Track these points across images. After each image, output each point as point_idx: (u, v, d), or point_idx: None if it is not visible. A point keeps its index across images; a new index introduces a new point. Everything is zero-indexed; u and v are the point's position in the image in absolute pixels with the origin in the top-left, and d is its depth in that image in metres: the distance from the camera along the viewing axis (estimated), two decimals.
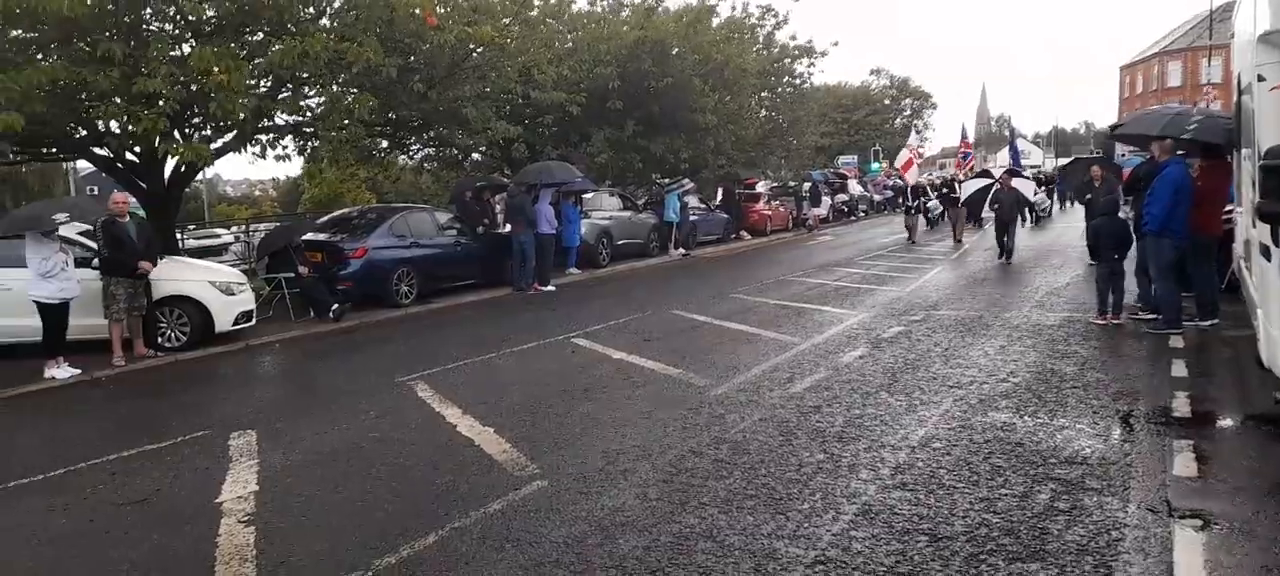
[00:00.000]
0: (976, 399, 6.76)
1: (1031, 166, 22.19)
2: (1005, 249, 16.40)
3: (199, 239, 28.98)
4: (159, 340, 10.22)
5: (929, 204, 26.25)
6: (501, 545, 4.35)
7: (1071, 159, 29.26)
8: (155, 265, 9.99)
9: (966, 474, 5.07)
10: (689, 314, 11.77)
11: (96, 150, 13.98)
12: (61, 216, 8.93)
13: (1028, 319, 10.32)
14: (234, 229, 22.82)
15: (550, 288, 15.49)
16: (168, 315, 10.30)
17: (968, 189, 20.20)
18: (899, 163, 28.76)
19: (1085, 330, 9.40)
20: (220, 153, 14.71)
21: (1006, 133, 37.09)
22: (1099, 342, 8.78)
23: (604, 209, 20.01)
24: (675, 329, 10.72)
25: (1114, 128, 13.34)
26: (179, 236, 22.00)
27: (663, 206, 21.49)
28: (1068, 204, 31.37)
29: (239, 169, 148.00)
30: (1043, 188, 28.68)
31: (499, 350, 9.70)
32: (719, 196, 26.90)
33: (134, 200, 11.86)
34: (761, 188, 29.71)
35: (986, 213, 18.44)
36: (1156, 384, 7.02)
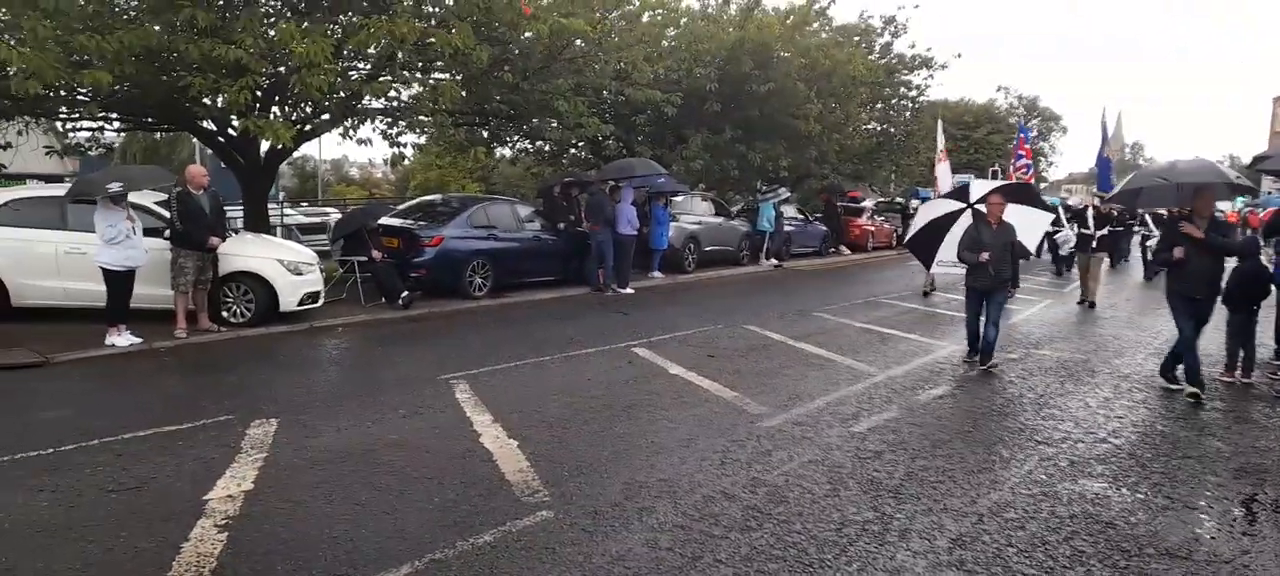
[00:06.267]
0: (1067, 460, 5.86)
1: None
2: (982, 343, 9.16)
3: (309, 216, 29.91)
4: (223, 315, 10.23)
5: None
6: None
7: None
8: (224, 240, 10.01)
9: (1041, 557, 4.27)
10: (764, 330, 11.05)
11: (200, 123, 14.29)
12: (115, 186, 8.88)
13: (1141, 368, 9.18)
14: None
15: (629, 290, 15.00)
16: (234, 290, 10.31)
17: (921, 216, 11.70)
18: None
19: (1209, 388, 8.23)
20: (311, 134, 14.81)
21: (1138, 161, 33.20)
22: (1224, 404, 7.64)
23: (694, 213, 19.40)
24: (745, 346, 10.04)
25: (1258, 160, 11.66)
26: (288, 211, 22.71)
27: (757, 214, 20.74)
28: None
29: (366, 151, 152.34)
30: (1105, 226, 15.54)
31: (554, 354, 9.25)
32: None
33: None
34: (867, 202, 28.47)
35: (946, 261, 10.60)
36: None
